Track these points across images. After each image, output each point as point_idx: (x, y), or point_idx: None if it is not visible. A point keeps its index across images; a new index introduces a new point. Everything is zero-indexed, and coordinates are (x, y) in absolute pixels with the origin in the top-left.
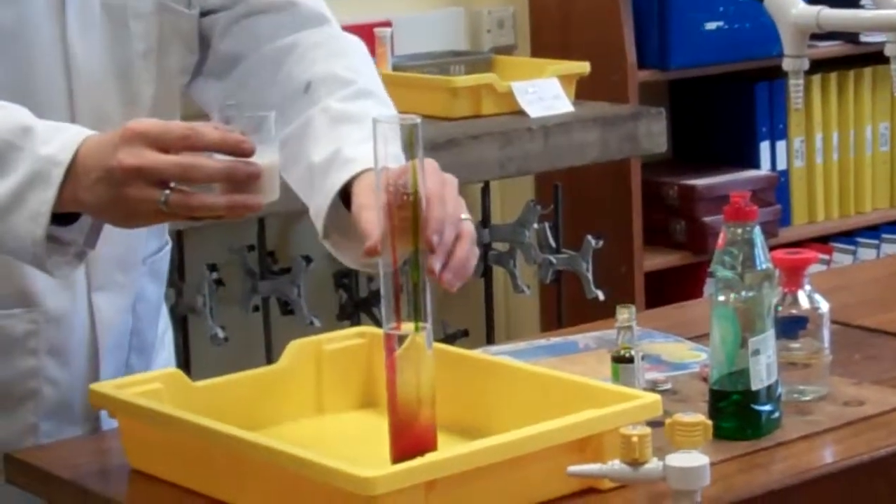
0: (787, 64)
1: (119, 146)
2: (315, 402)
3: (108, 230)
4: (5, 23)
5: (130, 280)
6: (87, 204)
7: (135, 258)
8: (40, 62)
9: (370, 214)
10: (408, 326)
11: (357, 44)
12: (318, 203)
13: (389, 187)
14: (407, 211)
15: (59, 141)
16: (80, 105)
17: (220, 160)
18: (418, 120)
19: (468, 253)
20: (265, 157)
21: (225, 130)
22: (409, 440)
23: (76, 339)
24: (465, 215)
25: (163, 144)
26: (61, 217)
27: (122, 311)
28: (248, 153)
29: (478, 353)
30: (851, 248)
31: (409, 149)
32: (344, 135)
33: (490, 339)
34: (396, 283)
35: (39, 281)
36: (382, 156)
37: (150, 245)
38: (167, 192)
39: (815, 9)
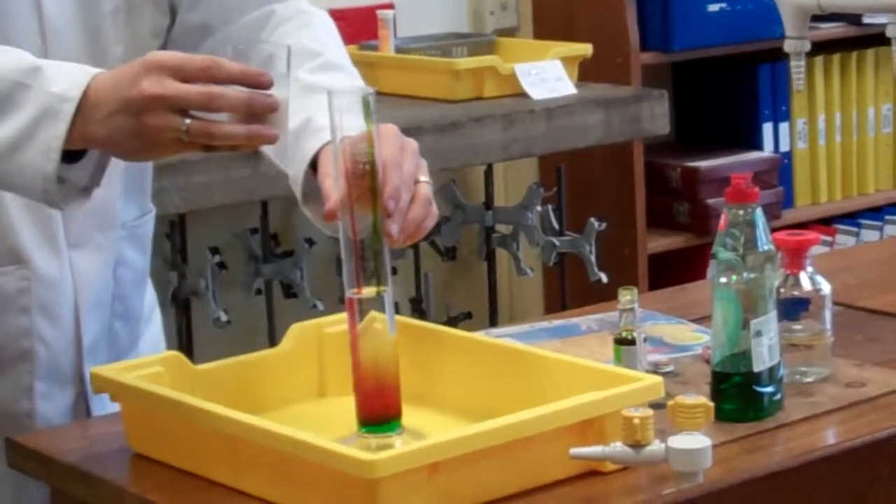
0: (788, 45)
1: (141, 76)
2: (317, 385)
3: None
4: None
5: (108, 241)
6: (100, 138)
7: (112, 218)
8: (15, 23)
9: (330, 181)
10: (369, 290)
11: (324, 17)
12: (295, 170)
13: (347, 156)
14: (365, 179)
15: (68, 78)
16: None
17: (239, 91)
18: (372, 90)
19: (421, 214)
20: (280, 91)
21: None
22: (374, 405)
23: (62, 298)
24: (423, 177)
25: (184, 74)
26: (66, 154)
27: (100, 272)
28: (266, 85)
29: (480, 336)
30: (854, 229)
31: (366, 119)
32: (315, 104)
33: (493, 322)
34: (356, 248)
35: (28, 238)
36: (338, 126)
37: (131, 210)
38: (188, 120)
39: None
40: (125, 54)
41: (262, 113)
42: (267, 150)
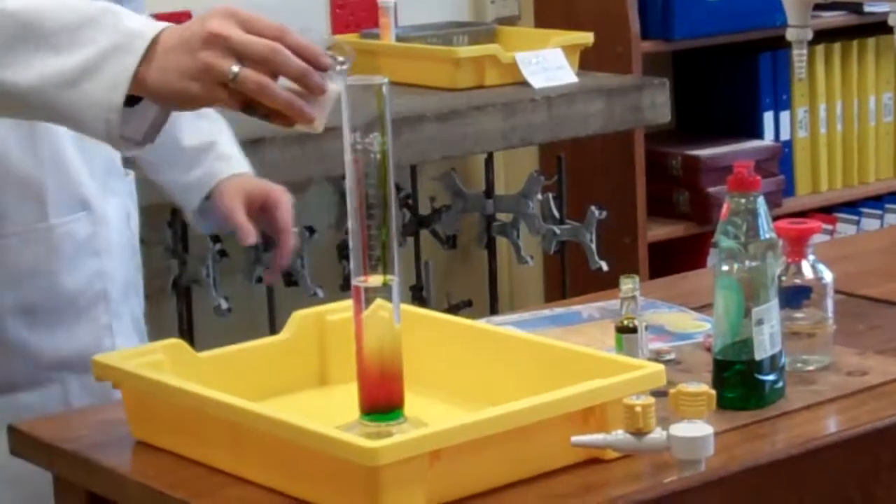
0: (790, 34)
1: (210, 17)
2: (318, 373)
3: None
4: None
5: (119, 187)
6: (153, 77)
7: (118, 166)
8: None
9: (241, 216)
10: (376, 279)
11: None
12: (194, 182)
13: (357, 145)
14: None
15: (143, 21)
16: None
17: (298, 60)
18: (386, 79)
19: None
20: (333, 83)
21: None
22: (377, 393)
23: (113, 238)
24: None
25: (252, 27)
26: (126, 100)
27: (119, 215)
28: (324, 67)
29: (481, 324)
30: (855, 218)
31: (380, 108)
32: (214, 130)
33: (494, 310)
34: (364, 237)
35: (88, 185)
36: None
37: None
38: (239, 67)
39: None
40: None
41: (311, 89)
42: (150, 156)
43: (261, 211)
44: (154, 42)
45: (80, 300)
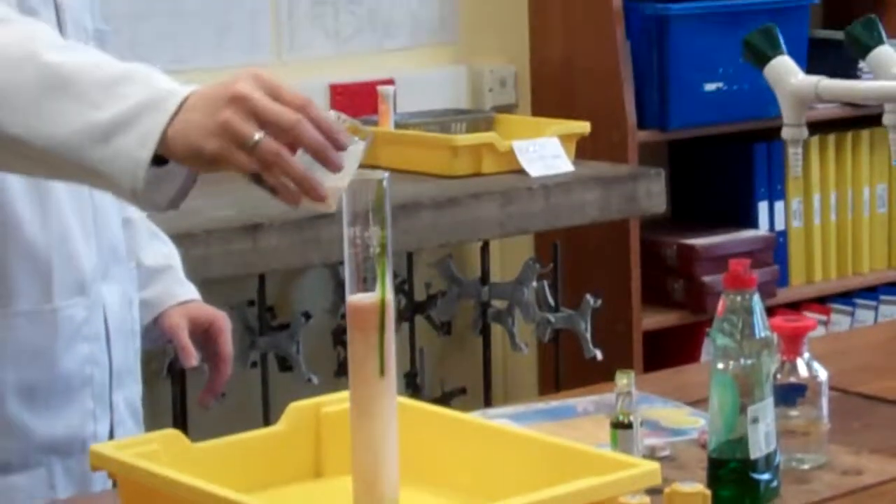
0: (786, 133)
1: (238, 80)
2: (314, 465)
3: (105, 223)
4: None
5: (123, 274)
6: (175, 134)
7: (122, 253)
8: None
9: (184, 336)
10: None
11: None
12: (149, 300)
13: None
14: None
15: (174, 83)
16: None
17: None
18: (386, 174)
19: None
20: (347, 168)
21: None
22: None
23: (101, 325)
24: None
25: (278, 96)
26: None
27: (121, 301)
28: (342, 146)
29: (475, 417)
30: (849, 308)
31: (379, 202)
32: (171, 254)
33: (488, 397)
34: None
35: (88, 270)
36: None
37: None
38: (262, 134)
39: (815, 79)
40: None
41: (329, 165)
42: None
43: (204, 336)
44: (184, 101)
45: (73, 383)
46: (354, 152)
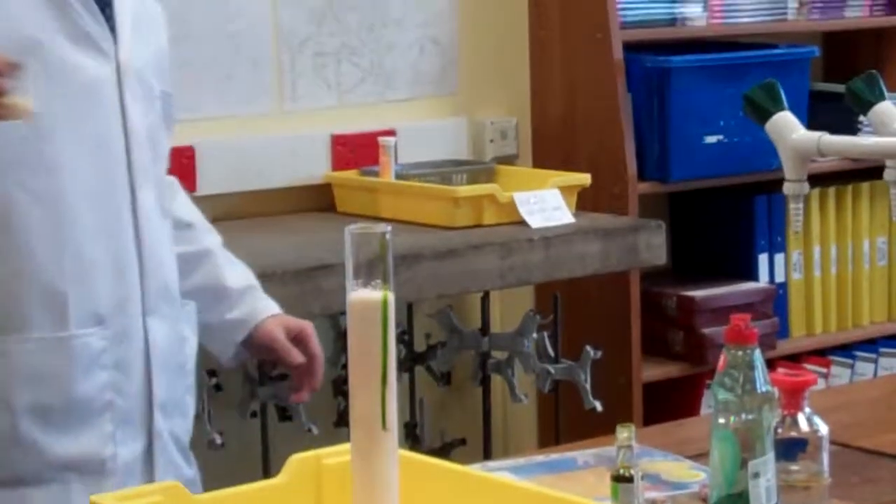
0: (787, 188)
1: None
2: None
3: (156, 264)
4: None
5: (173, 311)
6: None
7: (174, 294)
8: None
9: (287, 343)
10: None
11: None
12: (239, 319)
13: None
14: None
15: None
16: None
17: None
18: (388, 227)
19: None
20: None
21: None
22: None
23: (135, 356)
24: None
25: None
26: None
27: (168, 337)
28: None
29: (476, 470)
30: (849, 361)
31: (382, 252)
32: (250, 276)
33: (487, 448)
34: None
35: (108, 304)
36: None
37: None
38: None
39: (816, 135)
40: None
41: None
42: (189, 285)
43: (294, 341)
44: None
45: (91, 407)
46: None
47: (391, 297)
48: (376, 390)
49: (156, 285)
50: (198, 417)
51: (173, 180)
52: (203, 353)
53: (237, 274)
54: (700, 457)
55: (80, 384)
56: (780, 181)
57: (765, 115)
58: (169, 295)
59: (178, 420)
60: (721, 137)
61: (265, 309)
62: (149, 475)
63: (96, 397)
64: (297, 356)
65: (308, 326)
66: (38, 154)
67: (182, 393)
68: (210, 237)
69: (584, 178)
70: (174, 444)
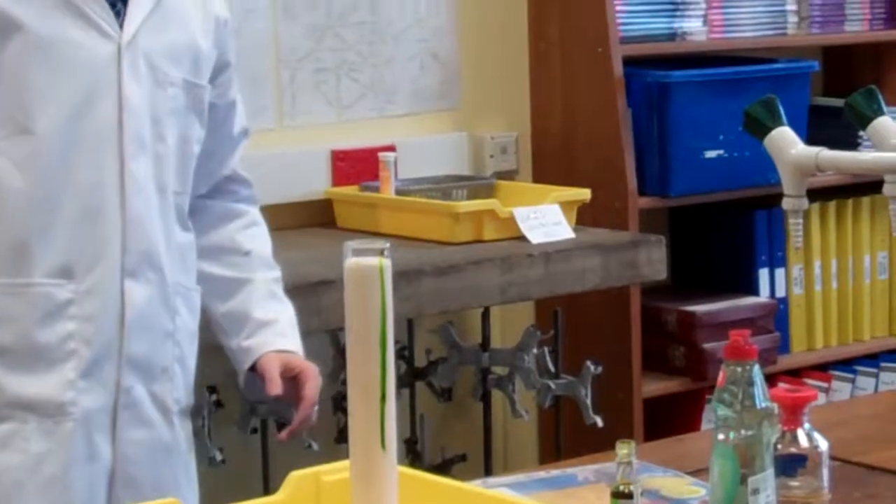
0: (786, 203)
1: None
2: None
3: (141, 233)
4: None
5: (157, 279)
6: None
7: (158, 261)
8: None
9: (276, 373)
10: None
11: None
12: (249, 348)
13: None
14: None
15: None
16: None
17: None
18: (387, 244)
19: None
20: None
21: None
22: None
23: (107, 312)
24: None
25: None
26: None
27: (150, 301)
28: None
29: (476, 487)
30: (850, 375)
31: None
32: (280, 310)
33: (488, 464)
34: None
35: (80, 260)
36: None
37: (186, 278)
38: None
39: (815, 150)
40: (177, 145)
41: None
42: (219, 310)
43: (292, 381)
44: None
45: (52, 353)
46: None
47: (387, 262)
48: (375, 408)
49: (138, 250)
50: (198, 434)
51: (253, 215)
52: (203, 369)
53: (267, 308)
54: (700, 473)
55: (41, 331)
56: (781, 196)
57: (764, 131)
58: (153, 263)
59: (164, 384)
60: (721, 152)
61: (275, 343)
62: (113, 429)
63: (59, 345)
64: (274, 387)
65: (310, 369)
66: (14, 119)
67: (170, 360)
68: (262, 270)
69: (584, 194)
70: (153, 405)
